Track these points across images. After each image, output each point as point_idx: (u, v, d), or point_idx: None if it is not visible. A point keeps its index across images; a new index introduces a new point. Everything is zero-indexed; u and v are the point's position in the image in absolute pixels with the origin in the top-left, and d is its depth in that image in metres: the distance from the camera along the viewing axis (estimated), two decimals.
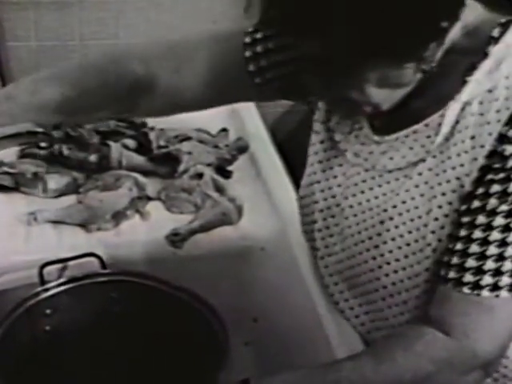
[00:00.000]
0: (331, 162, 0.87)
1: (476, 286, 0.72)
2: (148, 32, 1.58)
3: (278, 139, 1.49)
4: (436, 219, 0.76)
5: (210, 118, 1.24)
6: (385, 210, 0.80)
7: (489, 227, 0.71)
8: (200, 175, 1.22)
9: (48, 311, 0.88)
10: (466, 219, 0.73)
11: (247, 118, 1.46)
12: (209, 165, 1.27)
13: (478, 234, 0.72)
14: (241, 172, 1.30)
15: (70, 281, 0.90)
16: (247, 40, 0.88)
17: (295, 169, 1.33)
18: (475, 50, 0.73)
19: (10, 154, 1.20)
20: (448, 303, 0.74)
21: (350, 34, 0.63)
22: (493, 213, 0.71)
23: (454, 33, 0.71)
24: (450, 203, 0.75)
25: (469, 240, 0.73)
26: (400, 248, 0.79)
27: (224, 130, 1.41)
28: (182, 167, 1.23)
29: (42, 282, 0.90)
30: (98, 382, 0.91)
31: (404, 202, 0.78)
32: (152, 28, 1.58)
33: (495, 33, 0.73)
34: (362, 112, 0.77)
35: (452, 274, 0.73)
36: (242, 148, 1.37)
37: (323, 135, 0.88)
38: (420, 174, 0.77)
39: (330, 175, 0.87)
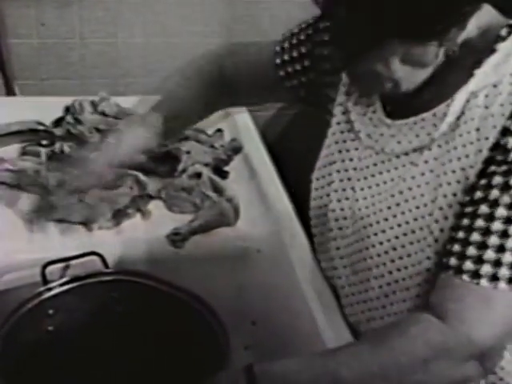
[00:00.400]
0: (348, 145, 0.87)
1: (475, 274, 0.70)
2: (145, 32, 1.54)
3: (268, 141, 1.45)
4: (441, 208, 0.75)
5: (205, 120, 1.19)
6: (392, 196, 0.79)
7: (491, 217, 0.70)
8: (198, 175, 1.17)
9: (50, 311, 0.84)
10: (468, 209, 0.72)
11: (240, 121, 1.42)
12: (206, 165, 1.22)
13: (479, 223, 0.71)
14: (235, 173, 1.26)
15: (72, 280, 0.85)
16: (277, 49, 0.94)
17: (285, 169, 1.30)
18: (484, 47, 0.75)
19: (11, 151, 1.14)
20: (447, 290, 0.72)
21: (388, 9, 0.66)
22: (495, 203, 0.70)
23: (470, 31, 0.73)
24: (454, 194, 0.74)
25: (471, 229, 0.71)
26: (405, 235, 0.78)
27: (219, 130, 1.36)
28: (181, 166, 1.18)
29: (45, 281, 0.85)
30: (99, 382, 0.86)
31: (410, 189, 0.78)
32: (148, 28, 1.54)
33: (503, 32, 0.74)
34: (382, 88, 0.77)
35: (453, 261, 0.72)
36: (236, 149, 1.32)
37: (340, 117, 0.88)
38: (426, 161, 0.77)
39: (347, 157, 0.87)
